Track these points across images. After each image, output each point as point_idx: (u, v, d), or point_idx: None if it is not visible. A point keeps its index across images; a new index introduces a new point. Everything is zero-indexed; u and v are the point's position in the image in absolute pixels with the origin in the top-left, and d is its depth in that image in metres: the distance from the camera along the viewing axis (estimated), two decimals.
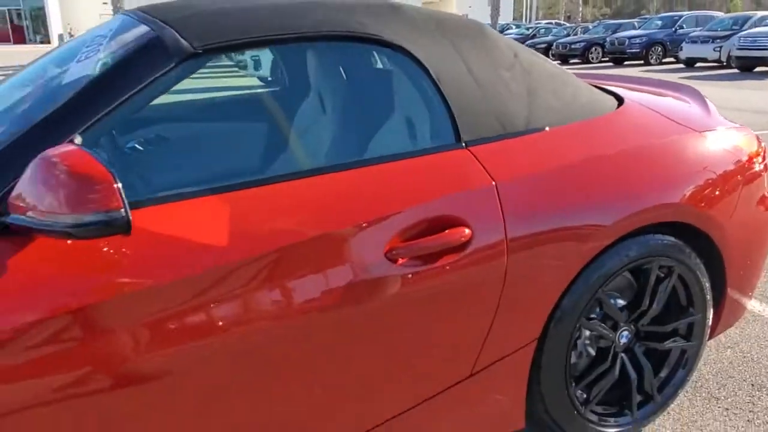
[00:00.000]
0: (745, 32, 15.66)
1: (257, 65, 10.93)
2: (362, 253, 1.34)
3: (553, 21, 39.68)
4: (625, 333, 1.82)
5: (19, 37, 42.21)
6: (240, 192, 1.29)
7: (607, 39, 20.13)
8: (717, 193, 1.81)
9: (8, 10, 42.33)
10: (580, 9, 38.11)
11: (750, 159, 1.96)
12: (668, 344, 1.87)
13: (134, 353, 1.14)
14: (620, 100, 1.99)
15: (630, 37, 19.02)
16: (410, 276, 1.38)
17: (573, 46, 21.21)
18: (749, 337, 2.47)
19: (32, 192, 1.04)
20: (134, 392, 1.16)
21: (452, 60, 1.61)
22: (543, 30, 27.39)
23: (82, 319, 1.10)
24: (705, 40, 17.05)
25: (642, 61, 18.93)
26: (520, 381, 1.65)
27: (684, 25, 19.49)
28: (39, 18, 42.60)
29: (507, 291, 1.52)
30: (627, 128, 1.80)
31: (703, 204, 1.77)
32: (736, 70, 15.34)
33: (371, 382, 1.43)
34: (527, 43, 25.34)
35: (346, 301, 1.32)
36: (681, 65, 17.72)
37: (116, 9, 27.67)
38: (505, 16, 49.78)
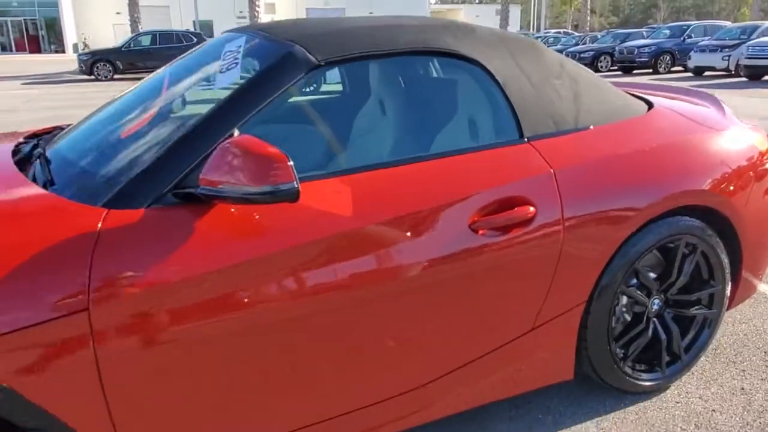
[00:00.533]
0: (754, 41, 15.95)
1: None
2: (451, 224, 1.68)
3: (561, 30, 40.07)
4: (657, 301, 2.15)
5: (35, 47, 42.91)
6: (359, 174, 1.64)
7: (616, 48, 20.49)
8: (734, 182, 2.14)
9: (24, 20, 43.06)
10: (588, 18, 38.42)
11: (762, 155, 2.30)
12: (693, 311, 2.20)
13: (283, 293, 1.48)
14: (650, 104, 2.33)
15: (639, 46, 19.36)
16: (487, 244, 1.72)
17: (582, 55, 21.53)
18: (761, 314, 2.79)
19: (222, 169, 1.38)
20: (280, 324, 1.49)
21: (514, 71, 1.96)
22: (552, 39, 27.76)
23: (246, 267, 1.44)
24: (713, 49, 17.36)
25: (651, 70, 19.25)
26: (571, 337, 1.98)
27: (692, 35, 19.81)
28: (54, 28, 43.32)
29: (562, 259, 1.85)
30: (657, 127, 2.14)
31: (722, 191, 2.10)
32: (744, 79, 15.62)
33: (458, 330, 1.76)
34: None
35: (439, 262, 1.66)
36: (689, 74, 18.01)
37: (133, 21, 28.21)
38: (513, 26, 50.08)
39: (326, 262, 1.52)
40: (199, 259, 1.41)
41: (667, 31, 20.94)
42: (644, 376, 2.16)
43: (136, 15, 28.34)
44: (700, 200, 2.07)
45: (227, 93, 1.63)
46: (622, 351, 2.11)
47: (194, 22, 45.89)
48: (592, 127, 2.03)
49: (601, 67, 21.27)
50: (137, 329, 1.36)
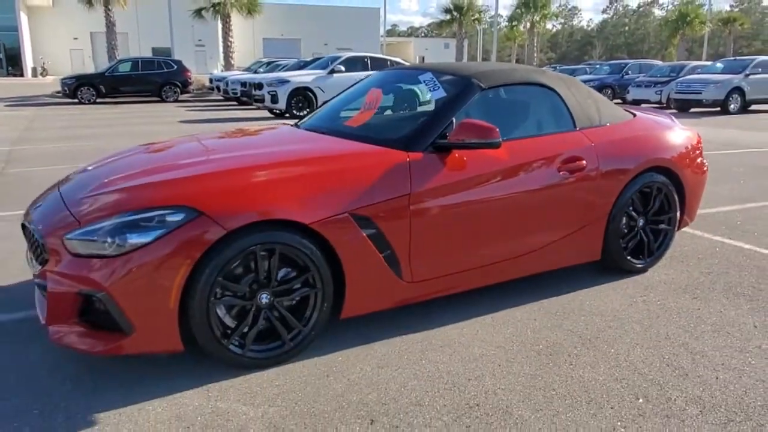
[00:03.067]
0: (682, 78, 18.63)
1: (274, 99, 13.09)
2: (550, 167, 3.40)
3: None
4: (641, 219, 3.90)
5: None
6: (509, 141, 3.33)
7: None
8: (681, 155, 3.96)
9: None
10: (536, 54, 41.54)
11: (695, 142, 4.14)
12: (661, 226, 3.98)
13: (480, 194, 3.15)
14: (634, 114, 4.14)
15: (585, 81, 21.89)
16: (565, 178, 3.44)
17: None
18: (695, 249, 4.61)
19: (463, 133, 3.04)
20: (485, 213, 3.17)
21: (569, 92, 3.72)
22: None
23: (465, 181, 3.10)
24: (648, 85, 20.03)
25: None
26: (601, 233, 3.71)
27: (630, 71, 22.54)
28: (14, 53, 43.46)
29: (598, 190, 3.59)
30: (641, 126, 3.95)
31: (675, 160, 3.91)
32: (674, 111, 18.18)
33: (549, 223, 3.46)
34: None
35: (545, 186, 3.37)
36: (628, 106, 20.57)
37: (94, 49, 29.06)
38: (458, 58, 52.51)
39: (498, 179, 3.21)
40: (445, 175, 3.07)
41: (608, 68, 23.69)
42: (636, 261, 3.92)
43: (116, 43, 29.31)
44: (664, 164, 3.86)
45: (442, 102, 3.32)
46: (625, 245, 3.86)
47: (153, 48, 46.90)
48: (608, 123, 3.81)
49: None
50: (426, 205, 3.00)
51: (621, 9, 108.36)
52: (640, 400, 2.50)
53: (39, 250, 2.73)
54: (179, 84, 23.85)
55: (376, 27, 61.05)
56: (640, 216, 3.90)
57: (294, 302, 2.81)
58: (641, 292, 3.68)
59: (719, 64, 19.41)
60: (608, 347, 2.97)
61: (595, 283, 3.81)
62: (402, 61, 17.16)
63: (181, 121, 14.99)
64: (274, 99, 15.01)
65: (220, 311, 2.67)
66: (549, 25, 58.21)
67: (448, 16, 37.34)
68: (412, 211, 2.97)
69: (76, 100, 22.02)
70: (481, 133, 3.04)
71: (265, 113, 16.58)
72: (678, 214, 4.04)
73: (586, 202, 3.58)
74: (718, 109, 17.49)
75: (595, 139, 3.65)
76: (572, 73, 25.03)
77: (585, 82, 21.71)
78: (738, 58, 20.39)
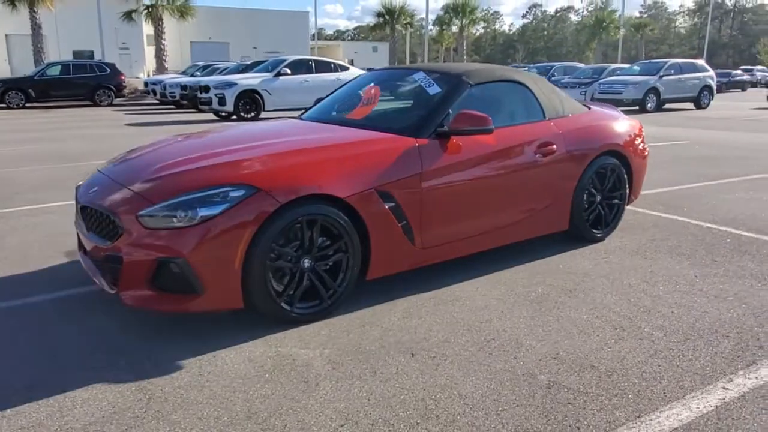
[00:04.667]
0: (604, 80, 20.06)
1: (221, 101, 13.46)
2: (528, 150, 4.04)
3: None
4: (599, 196, 4.61)
5: None
6: (497, 129, 3.94)
7: None
8: (629, 140, 4.70)
9: None
10: (465, 57, 43.01)
11: (638, 130, 4.90)
12: (614, 201, 4.71)
13: (473, 172, 3.75)
14: (588, 107, 4.86)
15: None
16: (538, 160, 4.09)
17: None
18: (636, 222, 5.40)
19: (461, 122, 3.62)
20: (476, 192, 3.76)
21: (538, 87, 4.38)
22: None
23: (462, 163, 3.69)
24: (573, 86, 21.38)
25: None
26: (568, 207, 4.38)
27: (555, 73, 23.96)
28: None
29: (565, 170, 4.26)
30: (596, 116, 4.67)
31: (625, 144, 4.65)
32: None
33: (525, 198, 4.09)
34: None
35: (523, 166, 4.01)
36: None
37: (10, 52, 28.03)
38: (384, 63, 53.18)
39: (489, 161, 3.82)
40: (447, 157, 3.65)
41: (536, 70, 25.05)
42: (596, 231, 4.63)
43: (40, 46, 28.37)
44: (616, 148, 4.59)
45: (439, 96, 3.90)
46: (587, 218, 4.56)
47: (74, 52, 45.38)
48: (570, 114, 4.50)
49: None
50: (434, 183, 3.57)
51: (540, 14, 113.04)
52: (617, 330, 3.15)
53: (108, 228, 3.12)
54: (113, 88, 23.47)
55: (306, 30, 61.28)
56: (598, 192, 4.60)
57: (328, 266, 3.31)
58: (603, 255, 4.38)
59: (636, 67, 21.00)
60: (585, 296, 3.62)
61: (564, 250, 4.48)
62: (345, 64, 17.70)
63: (128, 124, 14.96)
64: (222, 101, 15.23)
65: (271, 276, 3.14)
66: (474, 29, 60.27)
67: (381, 20, 38.26)
68: (423, 187, 3.52)
69: (3, 105, 21.31)
70: (477, 121, 3.64)
71: (210, 116, 16.73)
72: (627, 191, 4.79)
73: (556, 180, 4.24)
74: (637, 107, 18.96)
75: (562, 128, 4.32)
76: None
77: None
78: (652, 60, 22.11)
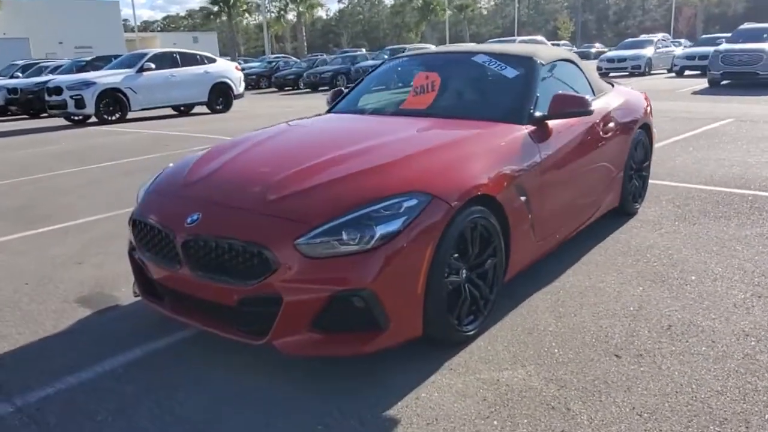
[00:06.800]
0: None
1: (79, 103, 12.13)
2: (599, 127, 3.94)
3: (281, 54, 43.29)
4: (635, 167, 4.66)
5: None
6: None
7: (352, 69, 24.24)
8: (650, 114, 4.79)
9: None
10: (305, 44, 42.30)
11: (649, 102, 5.03)
12: (644, 173, 4.80)
13: (569, 156, 3.58)
14: (612, 84, 4.89)
15: (323, 72, 25.10)
16: (609, 137, 4.01)
17: (323, 76, 24.78)
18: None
19: (559, 105, 3.40)
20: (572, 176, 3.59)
21: (583, 65, 4.29)
22: (283, 63, 30.57)
23: (562, 145, 3.50)
24: None
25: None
26: (620, 182, 4.36)
27: (359, 60, 25.02)
28: None
29: (622, 143, 4.23)
30: (625, 91, 4.71)
31: (649, 118, 4.73)
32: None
33: (601, 182, 4.00)
34: (275, 75, 28.26)
35: (601, 146, 3.90)
36: None
37: None
38: (212, 52, 50.76)
39: (578, 143, 3.66)
40: (552, 143, 3.43)
41: (340, 60, 26.31)
42: (636, 204, 4.69)
43: None
44: (647, 120, 4.68)
45: (521, 79, 3.64)
46: (632, 196, 4.59)
47: None
48: (607, 92, 4.48)
49: (339, 83, 24.62)
50: (548, 171, 3.33)
51: None
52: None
53: (242, 264, 2.48)
54: None
55: (117, 22, 56.67)
56: (635, 165, 4.66)
57: (478, 274, 2.94)
58: (654, 227, 4.44)
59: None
60: (698, 267, 3.63)
61: (608, 229, 4.48)
62: (212, 56, 16.49)
63: None
64: (80, 104, 13.40)
65: None
66: (291, 16, 59.22)
67: (215, 8, 36.22)
68: (542, 175, 3.27)
69: None
70: (577, 103, 3.44)
71: (55, 122, 14.70)
72: (649, 162, 4.91)
73: (617, 155, 4.21)
74: None
75: (612, 104, 4.29)
76: (354, 59, 26.33)
77: (323, 72, 24.92)
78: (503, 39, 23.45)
